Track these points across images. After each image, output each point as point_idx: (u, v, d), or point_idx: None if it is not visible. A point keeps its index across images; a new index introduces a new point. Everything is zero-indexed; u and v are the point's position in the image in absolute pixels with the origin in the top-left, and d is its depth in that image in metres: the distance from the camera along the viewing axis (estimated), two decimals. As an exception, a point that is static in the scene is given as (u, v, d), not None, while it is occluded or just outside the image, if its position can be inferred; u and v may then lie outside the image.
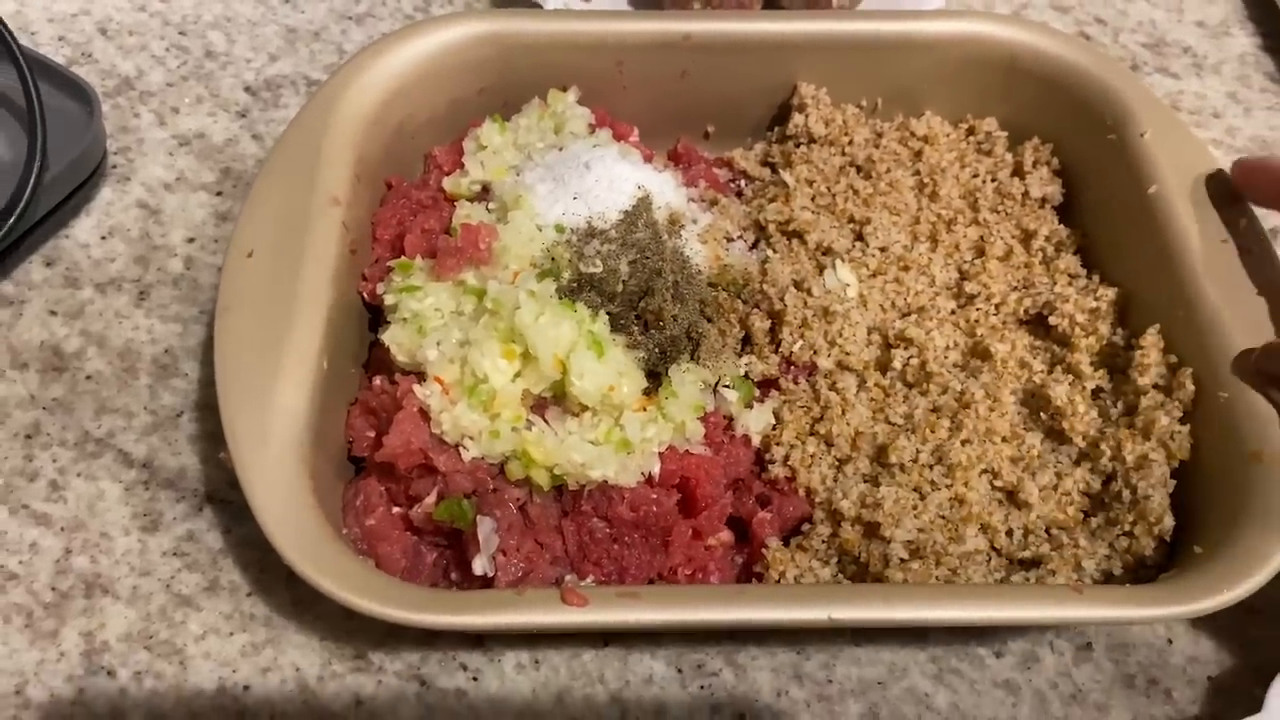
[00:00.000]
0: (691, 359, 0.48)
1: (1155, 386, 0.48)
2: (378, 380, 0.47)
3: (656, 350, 0.47)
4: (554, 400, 0.45)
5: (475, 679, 0.46)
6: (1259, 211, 0.51)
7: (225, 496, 0.50)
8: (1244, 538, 0.41)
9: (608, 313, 0.47)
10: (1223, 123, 0.68)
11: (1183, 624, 0.48)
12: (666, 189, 0.52)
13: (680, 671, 0.46)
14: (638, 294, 0.48)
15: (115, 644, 0.46)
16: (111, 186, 0.61)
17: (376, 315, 0.51)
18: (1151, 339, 0.48)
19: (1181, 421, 0.47)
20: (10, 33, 0.56)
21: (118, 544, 0.49)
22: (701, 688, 0.46)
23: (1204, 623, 0.48)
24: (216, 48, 0.69)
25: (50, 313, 0.56)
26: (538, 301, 0.45)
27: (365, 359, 0.50)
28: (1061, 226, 0.56)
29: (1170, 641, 0.48)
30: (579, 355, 0.44)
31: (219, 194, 0.61)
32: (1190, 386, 0.47)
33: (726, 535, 0.46)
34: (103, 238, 0.59)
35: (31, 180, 0.54)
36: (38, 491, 0.50)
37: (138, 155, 0.63)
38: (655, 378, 0.47)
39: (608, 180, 0.50)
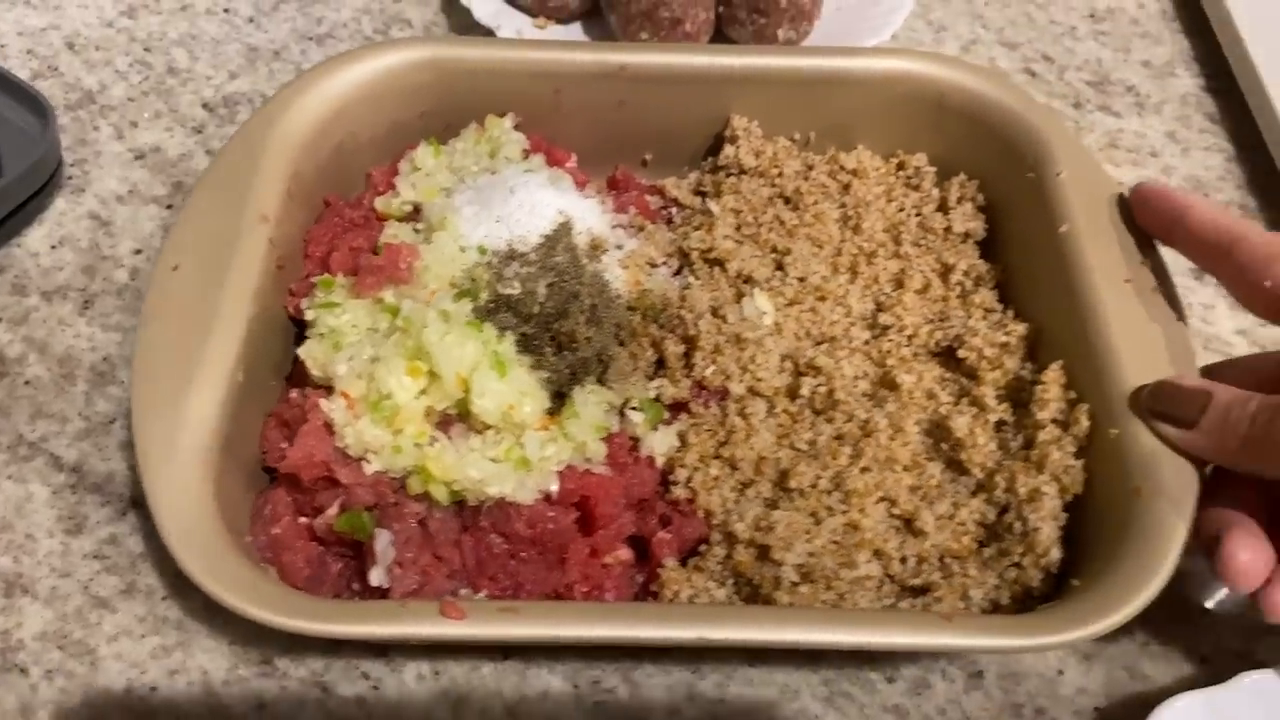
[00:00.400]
0: (599, 381, 0.49)
1: (1054, 421, 0.49)
2: (294, 393, 0.48)
3: (567, 371, 0.49)
4: (459, 418, 0.47)
5: (376, 688, 0.47)
6: (1167, 252, 0.52)
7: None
8: (1117, 574, 0.42)
9: (523, 334, 0.49)
10: (1160, 161, 0.70)
11: (1075, 656, 0.49)
12: (589, 215, 0.54)
13: (576, 687, 0.47)
14: (554, 316, 0.50)
15: (30, 643, 0.48)
16: (65, 197, 0.63)
17: (303, 329, 0.53)
18: (1053, 374, 0.49)
19: (1077, 456, 0.48)
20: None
21: (41, 545, 0.50)
22: (596, 704, 0.47)
23: (1097, 656, 0.49)
24: (179, 64, 0.71)
25: (-5, 318, 0.58)
26: (446, 321, 0.46)
27: (289, 372, 0.52)
28: (981, 261, 0.57)
29: (1061, 673, 0.49)
30: (481, 374, 0.45)
31: (169, 207, 0.63)
32: (1085, 422, 0.48)
33: (626, 554, 0.47)
34: (53, 247, 0.61)
35: (-21, 190, 0.56)
36: (-32, 492, 0.52)
37: (94, 167, 0.65)
38: (563, 399, 0.49)
39: (530, 205, 0.52)
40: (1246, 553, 0.41)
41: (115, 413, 0.55)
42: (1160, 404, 0.45)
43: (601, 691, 0.47)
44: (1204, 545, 0.43)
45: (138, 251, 0.61)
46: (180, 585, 0.49)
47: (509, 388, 0.45)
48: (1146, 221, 0.52)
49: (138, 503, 0.52)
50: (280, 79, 0.70)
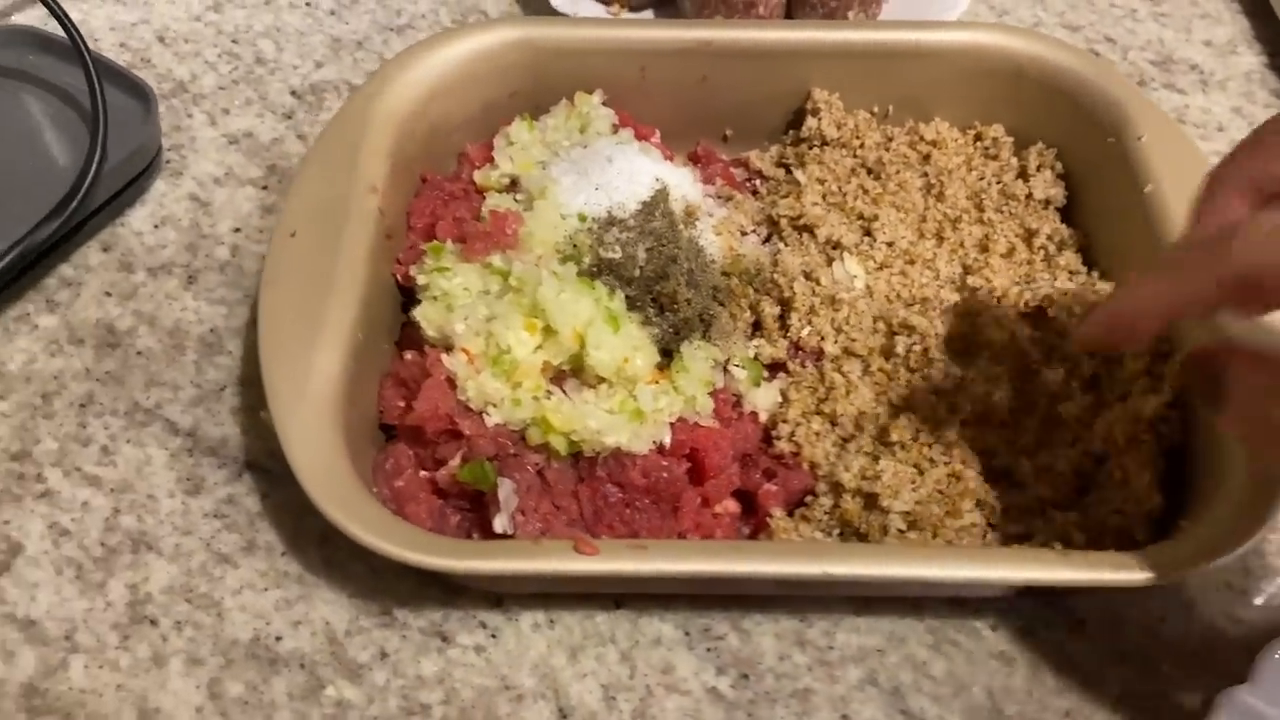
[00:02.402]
0: (703, 339, 0.50)
1: (1147, 373, 0.50)
2: (409, 354, 0.50)
3: (670, 330, 0.50)
4: (572, 372, 0.48)
5: (494, 636, 0.48)
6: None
7: (264, 464, 0.53)
8: (1223, 514, 0.43)
9: (626, 295, 0.50)
10: (1226, 135, 0.71)
11: (1174, 603, 0.50)
12: (684, 183, 0.56)
13: (688, 634, 0.49)
14: (654, 279, 0.51)
15: (158, 596, 0.49)
16: (165, 180, 0.65)
17: (409, 298, 0.54)
18: (1145, 328, 0.50)
19: (1170, 406, 0.49)
20: (82, 38, 0.60)
21: (163, 505, 0.52)
22: (708, 649, 0.48)
23: (1195, 603, 0.50)
24: (266, 55, 0.73)
25: (106, 294, 0.60)
26: (559, 279, 0.48)
27: (398, 337, 0.53)
28: (1063, 226, 0.58)
29: (1162, 620, 0.50)
30: (596, 329, 0.46)
31: (264, 188, 0.65)
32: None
33: (734, 506, 0.49)
34: (155, 226, 0.63)
35: (91, 171, 0.58)
36: (90, 456, 0.54)
37: (190, 152, 0.67)
38: (669, 356, 0.50)
39: (628, 173, 0.54)
40: None
41: (225, 380, 0.57)
42: (1190, 376, 0.40)
43: (712, 638, 0.48)
44: None
45: (237, 230, 0.63)
46: (298, 542, 0.51)
47: (622, 342, 0.47)
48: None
49: (252, 465, 0.54)
50: (365, 67, 0.72)
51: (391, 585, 0.50)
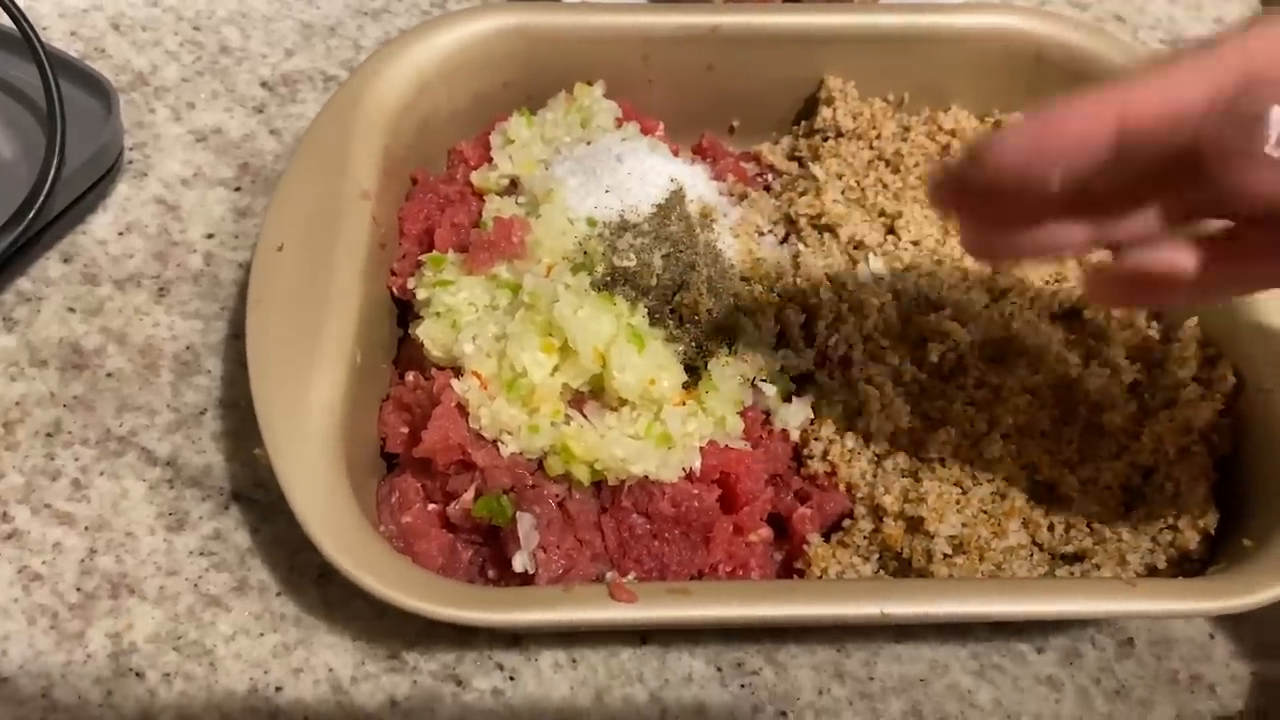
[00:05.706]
0: (730, 353, 0.47)
1: (1194, 379, 0.47)
2: (410, 376, 0.46)
3: (693, 344, 0.47)
4: (591, 395, 0.45)
5: (512, 678, 0.45)
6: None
7: (252, 495, 0.49)
8: (1294, 530, 0.41)
9: (644, 307, 0.47)
10: (1244, 118, 0.68)
11: (1226, 620, 0.48)
12: (698, 182, 0.52)
13: (720, 670, 0.46)
14: (672, 288, 0.48)
15: (143, 645, 0.45)
16: (128, 182, 0.60)
17: (405, 310, 0.51)
18: (1190, 331, 0.48)
19: (1222, 414, 0.46)
20: (33, 28, 0.55)
21: (143, 543, 0.48)
22: (742, 686, 0.45)
23: (1246, 619, 0.48)
24: (231, 43, 0.68)
25: (69, 309, 0.55)
26: (576, 294, 0.44)
27: (395, 355, 0.50)
28: (1092, 220, 0.55)
29: (1212, 637, 0.48)
30: (619, 348, 0.43)
31: (238, 189, 0.60)
32: (1231, 379, 0.46)
33: (766, 532, 0.46)
34: (120, 234, 0.58)
35: (50, 176, 0.53)
36: (60, 490, 0.49)
37: (154, 151, 0.62)
38: (692, 372, 0.47)
39: (640, 173, 0.50)
40: None
41: (205, 403, 0.52)
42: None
43: (746, 674, 0.45)
44: None
45: (209, 236, 0.58)
46: (294, 580, 0.47)
47: (648, 362, 0.43)
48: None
49: (239, 496, 0.49)
50: (338, 56, 0.68)
51: (398, 626, 0.46)
